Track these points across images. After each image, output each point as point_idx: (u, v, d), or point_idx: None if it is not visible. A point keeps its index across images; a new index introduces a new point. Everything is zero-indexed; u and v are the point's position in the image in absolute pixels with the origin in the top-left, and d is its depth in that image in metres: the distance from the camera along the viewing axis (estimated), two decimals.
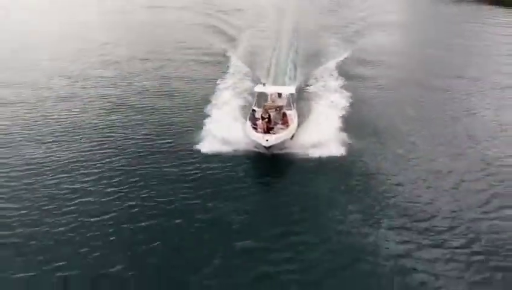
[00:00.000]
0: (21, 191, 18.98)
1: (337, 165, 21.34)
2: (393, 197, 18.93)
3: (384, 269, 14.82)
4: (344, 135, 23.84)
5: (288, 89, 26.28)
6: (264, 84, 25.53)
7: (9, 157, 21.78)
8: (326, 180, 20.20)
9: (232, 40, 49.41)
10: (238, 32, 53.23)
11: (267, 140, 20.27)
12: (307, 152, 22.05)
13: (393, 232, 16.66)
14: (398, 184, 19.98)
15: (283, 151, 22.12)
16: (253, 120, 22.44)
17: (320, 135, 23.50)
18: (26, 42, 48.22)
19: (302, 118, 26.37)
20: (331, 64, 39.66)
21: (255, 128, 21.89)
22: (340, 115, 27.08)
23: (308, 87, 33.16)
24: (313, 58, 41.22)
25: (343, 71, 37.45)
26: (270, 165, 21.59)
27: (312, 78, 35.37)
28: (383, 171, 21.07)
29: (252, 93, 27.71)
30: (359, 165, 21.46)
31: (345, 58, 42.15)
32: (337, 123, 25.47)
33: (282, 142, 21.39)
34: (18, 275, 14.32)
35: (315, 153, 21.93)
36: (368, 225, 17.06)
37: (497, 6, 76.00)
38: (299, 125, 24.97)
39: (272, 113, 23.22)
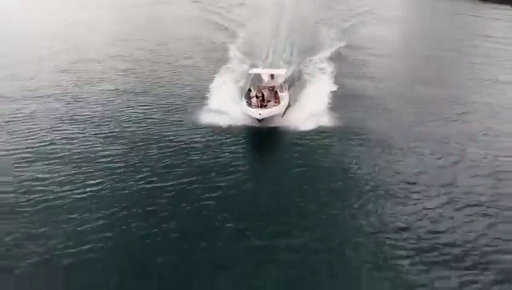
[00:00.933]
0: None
1: (326, 135, 23.74)
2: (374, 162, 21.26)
3: (378, 236, 16.06)
4: (332, 111, 26.23)
5: (280, 71, 28.77)
6: (257, 67, 27.91)
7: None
8: (315, 148, 22.57)
9: (233, 32, 51.87)
10: (238, 25, 55.60)
11: (259, 113, 22.69)
12: (297, 126, 24.45)
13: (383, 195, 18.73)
14: (381, 150, 22.31)
15: (274, 125, 24.53)
16: (249, 98, 24.86)
17: (309, 112, 25.95)
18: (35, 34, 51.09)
19: (294, 100, 28.90)
20: (325, 53, 41.90)
21: (250, 105, 24.30)
22: (329, 96, 29.42)
23: (302, 73, 35.55)
24: (308, 47, 43.49)
25: (335, 59, 39.69)
26: (263, 138, 23.98)
27: (306, 65, 37.72)
28: (371, 140, 23.42)
29: (248, 75, 30.22)
30: (344, 134, 23.87)
31: (339, 47, 44.30)
32: (326, 102, 27.83)
33: (274, 116, 23.75)
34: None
35: (304, 127, 24.33)
36: (358, 191, 18.89)
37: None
38: (290, 105, 27.43)
39: (265, 93, 25.57)
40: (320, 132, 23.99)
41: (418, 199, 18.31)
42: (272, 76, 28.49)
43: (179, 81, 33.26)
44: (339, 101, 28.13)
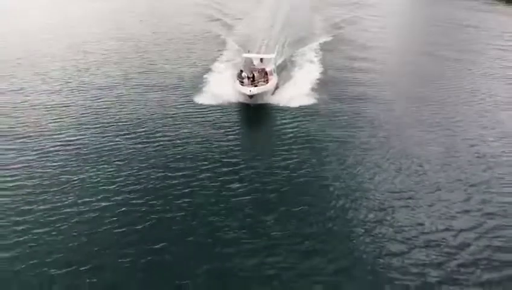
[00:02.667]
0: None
1: (308, 112, 25.92)
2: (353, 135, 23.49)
3: (356, 203, 18.01)
4: (315, 93, 28.49)
5: (269, 56, 31.17)
6: (249, 52, 30.43)
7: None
8: (297, 123, 24.73)
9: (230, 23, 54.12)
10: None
11: (250, 90, 24.96)
12: (283, 103, 26.72)
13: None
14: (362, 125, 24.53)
15: (263, 102, 26.78)
16: (241, 78, 27.09)
17: (295, 92, 28.25)
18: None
19: (282, 83, 31.19)
20: (315, 44, 44.13)
21: (242, 84, 26.55)
22: (314, 81, 31.68)
23: (291, 60, 37.84)
24: (300, 38, 45.73)
25: (324, 48, 41.92)
26: (254, 114, 26.21)
27: (296, 53, 39.96)
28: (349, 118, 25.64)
29: (240, 59, 32.63)
30: (329, 111, 26.11)
31: (329, 39, 46.51)
32: (311, 86, 30.06)
33: (263, 94, 26.05)
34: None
35: (291, 105, 26.59)
36: (340, 165, 20.97)
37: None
38: (278, 87, 29.70)
39: (256, 74, 27.82)
40: (303, 109, 26.19)
41: (389, 172, 20.32)
42: (261, 60, 30.86)
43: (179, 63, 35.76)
44: (323, 85, 30.36)
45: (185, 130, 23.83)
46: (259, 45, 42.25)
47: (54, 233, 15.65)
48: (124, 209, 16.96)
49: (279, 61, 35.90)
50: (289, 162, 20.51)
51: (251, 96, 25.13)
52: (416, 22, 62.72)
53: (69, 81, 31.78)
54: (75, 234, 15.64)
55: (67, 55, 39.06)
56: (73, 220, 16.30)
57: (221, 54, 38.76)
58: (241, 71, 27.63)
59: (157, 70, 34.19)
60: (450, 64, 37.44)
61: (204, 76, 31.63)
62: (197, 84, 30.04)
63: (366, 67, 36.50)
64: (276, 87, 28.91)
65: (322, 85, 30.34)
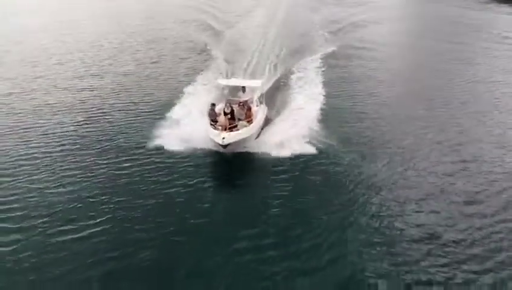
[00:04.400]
0: None
1: (308, 166, 18.33)
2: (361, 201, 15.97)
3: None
4: (316, 134, 20.82)
5: (254, 83, 23.15)
6: (226, 77, 22.24)
7: None
8: (290, 183, 17.15)
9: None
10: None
11: (223, 138, 17.24)
12: (272, 152, 19.05)
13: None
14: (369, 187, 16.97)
15: (246, 150, 19.16)
16: (213, 116, 19.38)
17: (289, 133, 20.64)
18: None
19: (274, 113, 23.61)
20: (316, 57, 36.61)
21: (214, 125, 18.86)
22: (317, 111, 24.09)
23: (287, 79, 30.28)
24: (297, 51, 38.18)
25: (327, 64, 34.39)
26: (230, 167, 18.57)
27: (293, 70, 32.41)
28: (354, 175, 17.98)
29: (215, 87, 24.65)
30: (328, 167, 18.36)
31: (331, 51, 38.99)
32: (312, 121, 22.48)
33: (243, 141, 18.36)
34: None
35: (281, 153, 18.94)
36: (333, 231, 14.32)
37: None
38: (268, 122, 22.14)
39: (236, 109, 20.19)
40: (297, 161, 18.54)
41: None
42: (244, 88, 22.85)
43: (141, 96, 27.17)
44: (325, 121, 22.46)
45: (134, 189, 16.55)
46: (248, 61, 34.73)
47: None
48: None
49: (270, 84, 28.41)
50: (271, 240, 13.73)
51: (225, 146, 17.49)
52: (427, 28, 55.04)
53: None
54: None
55: None
56: None
57: (200, 73, 31.05)
58: (213, 105, 19.86)
59: (110, 98, 26.33)
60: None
61: (174, 105, 23.73)
62: (161, 118, 22.24)
63: (381, 93, 28.91)
64: (264, 125, 21.36)
65: (325, 121, 22.45)
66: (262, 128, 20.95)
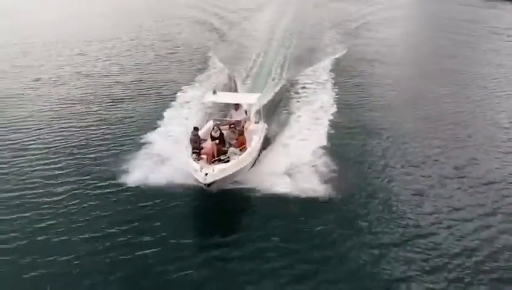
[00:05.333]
0: None
1: (311, 210, 14.03)
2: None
3: None
4: (327, 162, 16.55)
5: (249, 98, 18.79)
6: (214, 92, 17.79)
7: None
8: (294, 236, 12.95)
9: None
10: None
11: (206, 175, 13.05)
12: (271, 187, 14.81)
13: None
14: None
15: (237, 186, 15.01)
16: (196, 142, 15.17)
17: (294, 160, 16.46)
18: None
19: (276, 131, 19.50)
20: (325, 62, 32.39)
21: (198, 154, 14.73)
22: (326, 129, 19.98)
23: (294, 89, 26.16)
24: (306, 56, 34.03)
25: (337, 70, 30.17)
26: (214, 209, 14.42)
27: (301, 78, 28.27)
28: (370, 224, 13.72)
29: (203, 104, 20.10)
30: (339, 212, 14.10)
31: (342, 55, 34.77)
32: (320, 141, 18.30)
33: (233, 176, 14.22)
34: None
35: (283, 189, 14.69)
36: None
37: None
38: (269, 142, 18.03)
39: (225, 131, 16.04)
40: (298, 204, 14.12)
41: None
42: (237, 106, 18.29)
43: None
44: (334, 150, 17.59)
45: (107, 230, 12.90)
46: (250, 66, 30.79)
47: None
48: None
49: (270, 96, 24.37)
50: None
51: (208, 185, 13.34)
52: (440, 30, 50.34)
53: None
54: None
55: None
56: None
57: (191, 83, 26.97)
58: (196, 129, 15.49)
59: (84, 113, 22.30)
60: None
61: (152, 130, 19.25)
62: (136, 145, 18.00)
63: (401, 105, 24.61)
64: (262, 148, 17.24)
65: (333, 151, 17.57)
66: (259, 154, 16.81)
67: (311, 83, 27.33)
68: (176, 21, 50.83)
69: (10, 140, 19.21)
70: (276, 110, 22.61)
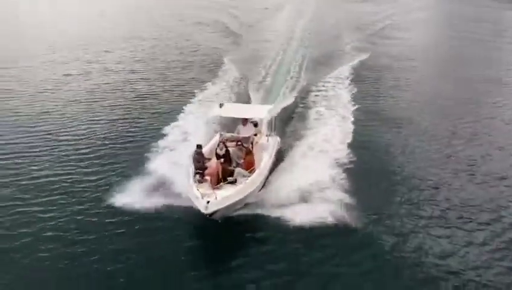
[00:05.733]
0: None
1: (328, 241, 12.21)
2: None
3: None
4: (344, 182, 14.65)
5: (258, 112, 16.76)
6: (221, 105, 16.10)
7: None
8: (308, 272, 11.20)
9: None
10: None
11: (207, 203, 11.34)
12: (282, 214, 13.01)
13: None
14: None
15: (244, 212, 13.27)
16: (200, 162, 13.54)
17: (307, 178, 14.55)
18: None
19: (291, 143, 17.68)
20: (345, 69, 30.47)
21: (201, 175, 13.07)
22: (347, 144, 18.03)
23: (310, 98, 24.43)
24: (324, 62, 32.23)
25: (358, 78, 28.27)
26: (217, 238, 12.66)
27: (318, 85, 26.51)
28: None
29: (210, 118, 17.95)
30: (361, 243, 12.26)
31: (362, 61, 32.87)
32: (334, 166, 16.04)
33: (236, 203, 12.43)
34: None
35: (293, 214, 12.80)
36: None
37: None
38: (282, 157, 16.24)
39: (232, 148, 14.34)
40: (313, 233, 12.21)
41: None
42: (245, 121, 16.43)
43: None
44: (354, 172, 15.38)
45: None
46: (265, 72, 29.12)
47: None
48: None
49: (287, 103, 22.72)
50: None
51: (210, 215, 11.64)
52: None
53: None
54: None
55: None
56: None
57: (204, 89, 25.44)
58: (199, 147, 13.75)
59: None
60: None
61: (153, 147, 17.22)
62: (137, 163, 15.95)
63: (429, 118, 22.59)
64: (274, 164, 15.46)
65: (353, 172, 15.34)
66: (271, 172, 15.02)
67: (330, 89, 25.70)
68: (195, 20, 51.78)
69: (43, 131, 19.51)
70: (291, 120, 20.98)
